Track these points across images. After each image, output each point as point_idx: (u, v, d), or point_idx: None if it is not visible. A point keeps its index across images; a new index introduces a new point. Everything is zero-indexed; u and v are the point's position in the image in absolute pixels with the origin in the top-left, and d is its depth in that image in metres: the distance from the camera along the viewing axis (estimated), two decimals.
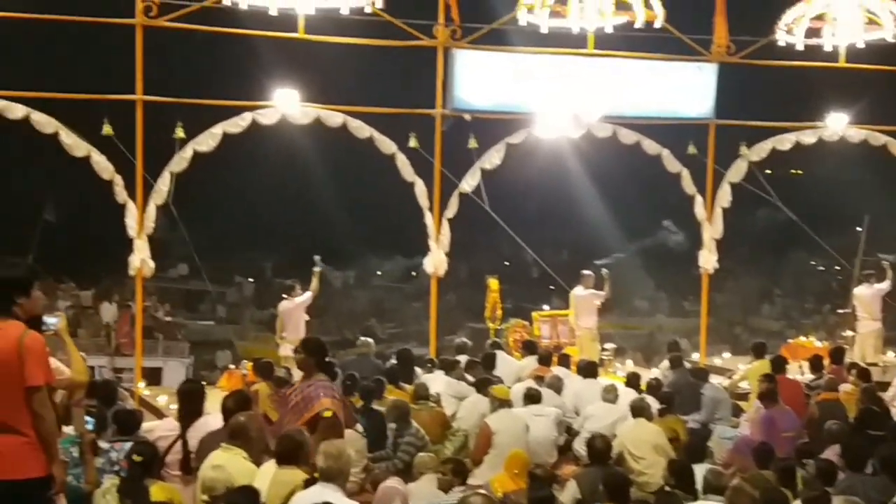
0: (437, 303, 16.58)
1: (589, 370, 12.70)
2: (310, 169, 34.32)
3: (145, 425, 9.17)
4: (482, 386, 11.45)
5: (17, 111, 13.88)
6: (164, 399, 13.99)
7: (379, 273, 45.61)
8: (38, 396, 5.84)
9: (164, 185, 14.62)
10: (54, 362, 6.50)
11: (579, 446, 10.78)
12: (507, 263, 37.91)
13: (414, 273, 44.84)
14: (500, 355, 13.86)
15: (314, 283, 15.88)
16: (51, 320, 6.82)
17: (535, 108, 15.75)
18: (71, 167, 15.08)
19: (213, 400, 9.26)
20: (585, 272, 16.81)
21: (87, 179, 14.64)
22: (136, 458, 7.18)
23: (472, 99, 15.88)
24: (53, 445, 5.95)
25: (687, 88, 16.69)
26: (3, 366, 5.83)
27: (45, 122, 13.99)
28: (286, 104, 14.93)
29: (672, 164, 16.71)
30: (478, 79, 15.88)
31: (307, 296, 15.72)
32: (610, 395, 11.47)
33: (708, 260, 17.35)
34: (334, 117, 15.21)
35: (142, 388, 15.06)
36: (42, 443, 5.89)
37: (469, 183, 15.87)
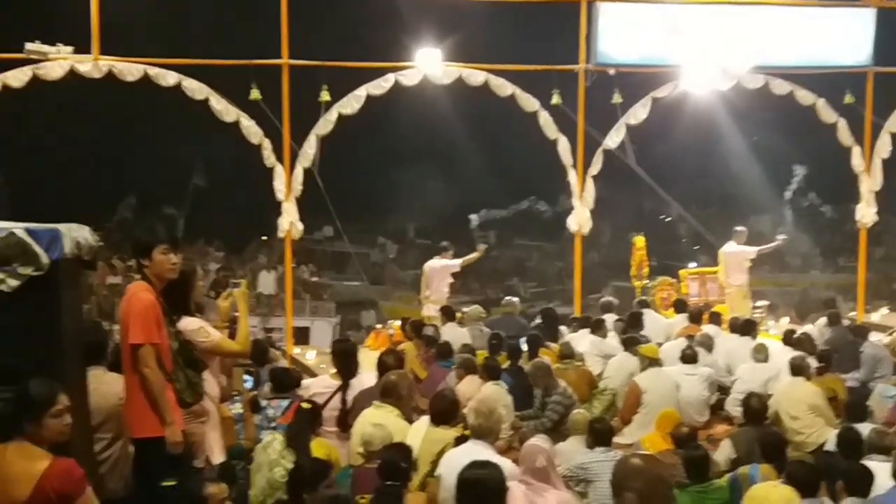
0: (582, 261, 16.42)
1: (744, 328, 12.37)
2: (451, 129, 34.30)
3: (303, 382, 9.37)
4: (629, 344, 11.30)
5: (169, 78, 14.30)
6: (313, 357, 14.33)
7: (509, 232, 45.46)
8: (138, 355, 5.88)
9: (310, 148, 14.86)
10: (196, 323, 6.62)
11: (731, 406, 10.54)
12: (668, 218, 37.02)
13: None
14: (648, 314, 13.67)
15: (473, 256, 15.94)
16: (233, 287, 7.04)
17: (681, 60, 15.35)
18: (220, 132, 15.46)
19: (361, 359, 9.41)
20: (739, 228, 16.30)
21: (236, 144, 15.02)
22: (304, 405, 7.32)
23: (616, 53, 15.56)
24: (159, 405, 5.93)
25: (843, 35, 15.97)
26: (121, 325, 6.01)
27: (195, 89, 14.39)
28: (428, 64, 14.95)
29: (828, 114, 16.04)
30: (622, 32, 15.55)
31: (457, 262, 15.77)
32: (760, 354, 11.14)
33: (866, 213, 16.64)
34: (476, 76, 15.14)
35: (292, 346, 15.46)
36: (149, 403, 5.94)
37: (613, 139, 15.60)
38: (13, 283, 5.14)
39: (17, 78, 13.70)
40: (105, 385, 6.43)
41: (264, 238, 36.83)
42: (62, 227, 5.44)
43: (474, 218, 44.06)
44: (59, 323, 5.32)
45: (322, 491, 6.03)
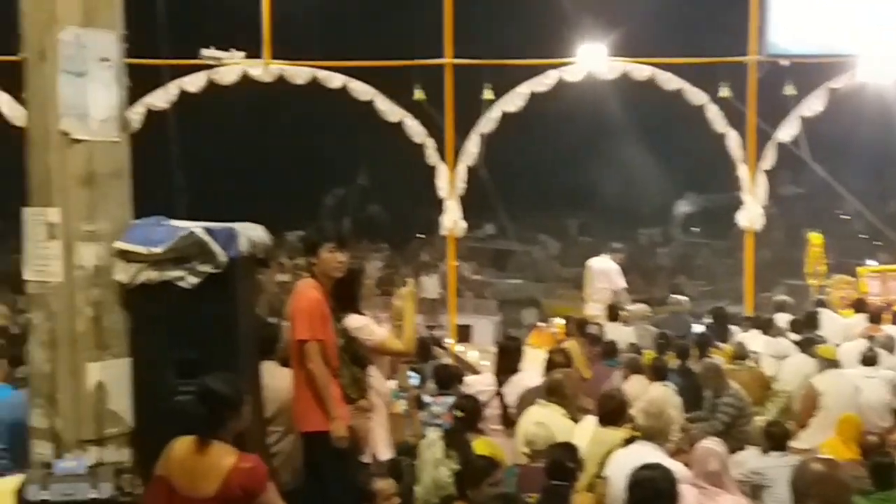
0: (753, 258, 15.93)
1: None
2: (613, 124, 33.87)
3: (466, 380, 9.39)
4: (806, 345, 10.88)
5: (336, 81, 14.61)
6: (475, 355, 14.38)
7: (695, 230, 44.44)
8: (304, 350, 6.01)
9: (473, 146, 14.91)
10: (361, 321, 6.70)
11: None
12: (845, 215, 35.60)
13: (695, 229, 43.50)
14: (825, 313, 13.12)
15: (636, 305, 15.57)
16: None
17: (859, 49, 14.68)
18: (383, 132, 15.70)
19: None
20: None
21: (399, 143, 15.21)
22: (457, 413, 7.33)
23: (788, 43, 15.04)
24: (325, 400, 6.04)
25: None
26: (289, 321, 6.22)
27: (361, 90, 14.64)
28: (592, 60, 14.78)
29: None
30: (794, 21, 15.01)
31: (621, 283, 15.47)
32: None
33: None
34: (642, 70, 14.87)
35: (454, 344, 15.55)
36: (315, 398, 6.07)
37: (787, 132, 15.04)
38: (193, 279, 5.32)
39: (194, 83, 14.25)
40: (277, 380, 6.58)
41: (421, 236, 37.22)
42: (238, 227, 5.60)
43: (682, 204, 43.34)
44: (235, 318, 5.47)
45: (488, 489, 6.00)
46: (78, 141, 5.29)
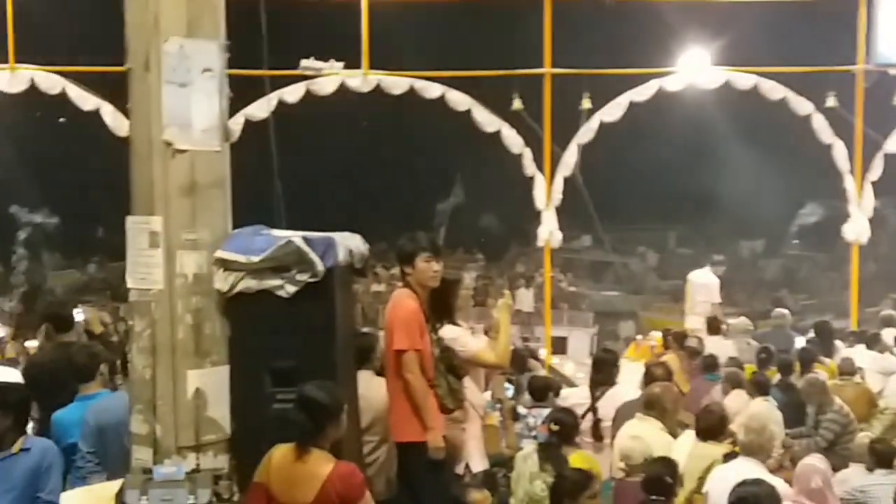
0: (858, 272, 15.48)
1: None
2: (715, 134, 33.25)
3: (562, 392, 9.32)
4: None
5: (434, 91, 14.63)
6: (571, 367, 14.26)
7: (796, 242, 43.30)
8: (401, 360, 6.09)
9: (570, 156, 14.78)
10: (455, 331, 6.70)
11: None
12: None
13: (795, 241, 42.44)
14: None
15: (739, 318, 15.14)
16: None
17: None
18: (480, 142, 15.67)
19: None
20: None
21: (496, 154, 15.17)
22: (552, 427, 7.27)
23: None
24: (422, 411, 6.10)
25: None
26: (386, 331, 6.31)
27: (459, 100, 14.63)
28: (693, 69, 14.56)
29: None
30: None
31: (717, 296, 15.12)
32: None
33: None
34: (745, 80, 14.56)
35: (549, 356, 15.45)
36: (412, 408, 6.12)
37: None
38: (291, 288, 5.36)
39: (293, 94, 14.43)
40: (373, 389, 6.61)
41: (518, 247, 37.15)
42: (336, 236, 5.63)
43: (787, 216, 42.27)
44: (332, 327, 5.50)
45: (587, 502, 5.94)
46: (180, 151, 5.37)
